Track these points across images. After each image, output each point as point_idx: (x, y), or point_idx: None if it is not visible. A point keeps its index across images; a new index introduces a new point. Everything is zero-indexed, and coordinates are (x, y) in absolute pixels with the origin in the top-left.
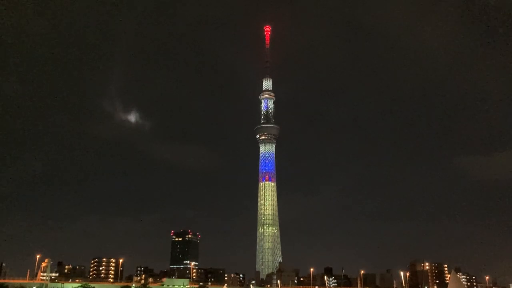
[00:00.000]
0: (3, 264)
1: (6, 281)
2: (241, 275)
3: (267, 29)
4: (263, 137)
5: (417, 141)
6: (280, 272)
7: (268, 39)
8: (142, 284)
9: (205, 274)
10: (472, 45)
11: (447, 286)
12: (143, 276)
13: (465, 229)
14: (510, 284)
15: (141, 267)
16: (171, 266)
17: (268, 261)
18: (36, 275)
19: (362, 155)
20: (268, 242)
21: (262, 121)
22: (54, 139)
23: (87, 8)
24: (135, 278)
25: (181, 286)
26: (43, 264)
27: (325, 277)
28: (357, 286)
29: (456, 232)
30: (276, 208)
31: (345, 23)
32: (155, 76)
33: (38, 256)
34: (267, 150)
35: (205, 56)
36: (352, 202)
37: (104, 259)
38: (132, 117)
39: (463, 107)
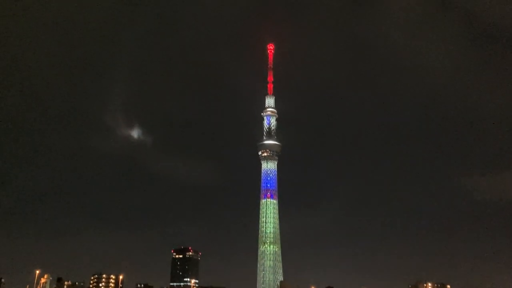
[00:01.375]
0: (2, 280)
1: None
2: None
3: (271, 47)
4: (265, 154)
5: (420, 159)
6: None
7: (272, 57)
8: None
9: None
10: (476, 63)
11: None
12: None
13: (468, 249)
14: None
15: (141, 284)
16: (171, 284)
17: (269, 280)
18: None
19: (364, 173)
20: (269, 260)
21: (264, 138)
22: (55, 154)
23: (91, 23)
24: None
25: None
26: (43, 280)
27: None
28: None
29: (459, 252)
30: (277, 226)
31: (347, 41)
32: (158, 92)
33: (37, 272)
34: (269, 167)
35: (208, 72)
36: (354, 221)
37: (104, 275)
38: (135, 132)
39: (466, 125)
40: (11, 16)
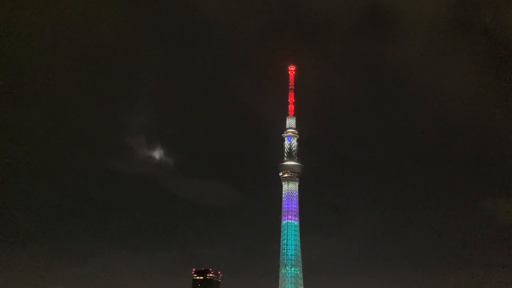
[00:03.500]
0: None
1: None
2: None
3: (291, 68)
4: (286, 175)
5: (442, 183)
6: None
7: (292, 78)
8: None
9: None
10: (500, 85)
11: None
12: None
13: (491, 277)
14: None
15: None
16: None
17: None
18: None
19: (385, 196)
20: (291, 283)
21: (285, 159)
22: (76, 175)
23: (114, 44)
24: None
25: None
26: None
27: None
28: None
29: (482, 280)
30: (299, 248)
31: (367, 63)
32: (180, 113)
33: None
34: (290, 188)
35: (229, 94)
36: (376, 245)
37: None
38: (156, 154)
39: (489, 147)
40: (34, 36)
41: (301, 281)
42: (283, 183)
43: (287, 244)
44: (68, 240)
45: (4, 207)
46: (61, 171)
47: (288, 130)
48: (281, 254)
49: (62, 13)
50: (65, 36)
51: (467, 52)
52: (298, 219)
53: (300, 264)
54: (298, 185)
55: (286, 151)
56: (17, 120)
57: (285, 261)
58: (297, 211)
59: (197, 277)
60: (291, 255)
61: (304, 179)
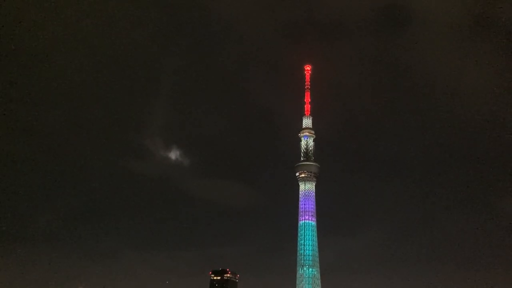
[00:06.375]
0: None
1: None
2: None
3: (308, 68)
4: (302, 175)
5: (461, 182)
6: None
7: (308, 78)
8: None
9: None
10: None
11: None
12: None
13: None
14: None
15: None
16: None
17: None
18: None
19: (403, 196)
20: (308, 283)
21: (302, 159)
22: (94, 176)
23: (132, 45)
24: None
25: None
26: None
27: None
28: None
29: (503, 280)
30: (316, 249)
31: (385, 63)
32: (196, 114)
33: None
34: (307, 188)
35: (245, 95)
36: (395, 246)
37: None
38: (173, 154)
39: (509, 147)
40: (54, 36)
41: (318, 282)
42: (300, 183)
43: (304, 245)
44: (87, 241)
45: (25, 209)
46: (81, 172)
47: (305, 130)
48: (298, 254)
49: (82, 14)
50: (84, 37)
51: (487, 51)
52: (315, 219)
53: (318, 264)
54: (315, 185)
55: (302, 151)
56: (37, 122)
57: (302, 261)
58: (314, 211)
59: (215, 277)
60: (308, 255)
61: (321, 179)
